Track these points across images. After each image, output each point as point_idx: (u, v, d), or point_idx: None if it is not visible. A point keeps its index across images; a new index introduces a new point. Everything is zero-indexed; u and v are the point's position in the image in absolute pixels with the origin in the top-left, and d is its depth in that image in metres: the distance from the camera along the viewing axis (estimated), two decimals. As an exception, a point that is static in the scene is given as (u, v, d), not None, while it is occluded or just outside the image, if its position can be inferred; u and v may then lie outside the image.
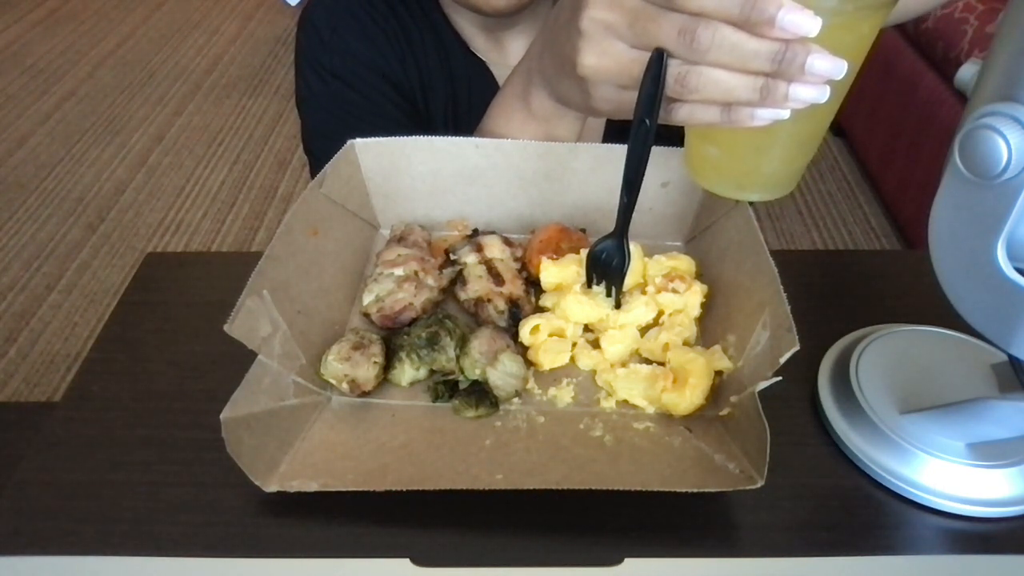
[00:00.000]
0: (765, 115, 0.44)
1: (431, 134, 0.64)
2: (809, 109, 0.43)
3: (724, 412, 0.50)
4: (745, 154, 0.51)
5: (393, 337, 0.55)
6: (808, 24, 0.39)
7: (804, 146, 0.51)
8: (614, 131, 0.82)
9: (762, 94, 0.43)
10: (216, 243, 2.08)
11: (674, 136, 0.58)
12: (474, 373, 0.52)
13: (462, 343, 0.54)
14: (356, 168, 0.64)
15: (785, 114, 0.43)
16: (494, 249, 0.62)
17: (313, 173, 0.78)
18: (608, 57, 0.48)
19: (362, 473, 0.47)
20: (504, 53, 0.82)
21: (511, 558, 0.45)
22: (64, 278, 1.94)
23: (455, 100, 0.82)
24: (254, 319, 0.48)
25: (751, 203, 0.57)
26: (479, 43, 0.82)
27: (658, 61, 0.46)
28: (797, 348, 0.43)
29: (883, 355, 0.55)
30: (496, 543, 0.46)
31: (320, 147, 0.78)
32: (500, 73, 0.82)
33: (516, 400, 0.53)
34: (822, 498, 0.48)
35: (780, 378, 0.44)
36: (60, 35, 3.15)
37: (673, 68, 0.45)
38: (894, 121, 2.02)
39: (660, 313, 0.58)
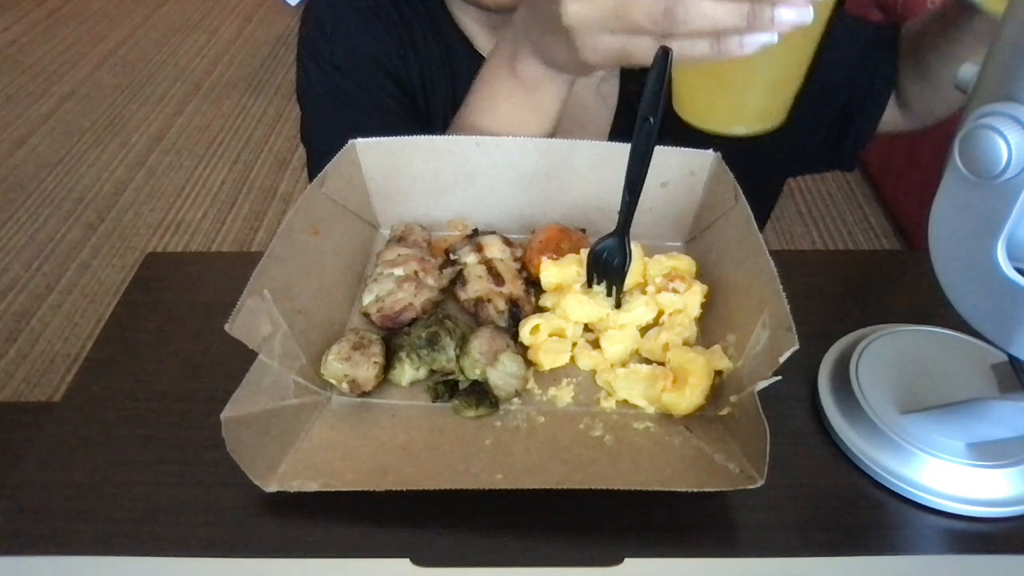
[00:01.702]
0: (753, 42, 0.45)
1: (431, 130, 0.64)
2: (795, 34, 0.44)
3: (724, 412, 0.50)
4: (732, 86, 0.51)
5: (393, 337, 0.55)
6: None
7: (790, 73, 0.51)
8: (617, 131, 0.82)
9: (748, 20, 0.43)
10: (216, 243, 2.08)
11: (675, 136, 0.58)
12: (474, 373, 0.52)
13: (462, 343, 0.54)
14: (357, 168, 0.64)
15: (774, 39, 0.44)
16: (494, 249, 0.62)
17: (311, 165, 0.79)
18: (591, 2, 0.48)
19: (362, 473, 0.47)
20: None
21: (511, 558, 0.45)
22: (64, 278, 1.95)
23: (455, 97, 0.82)
24: (255, 319, 0.48)
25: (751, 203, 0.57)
26: (482, 41, 0.81)
27: (663, 59, 0.46)
28: (797, 348, 0.43)
29: (883, 355, 0.55)
30: (496, 543, 0.46)
31: (318, 139, 0.79)
32: None
33: (516, 400, 0.53)
34: (822, 498, 0.48)
35: (780, 378, 0.44)
36: (60, 35, 3.15)
37: (658, 4, 0.45)
38: (894, 121, 2.01)
39: (660, 313, 0.58)
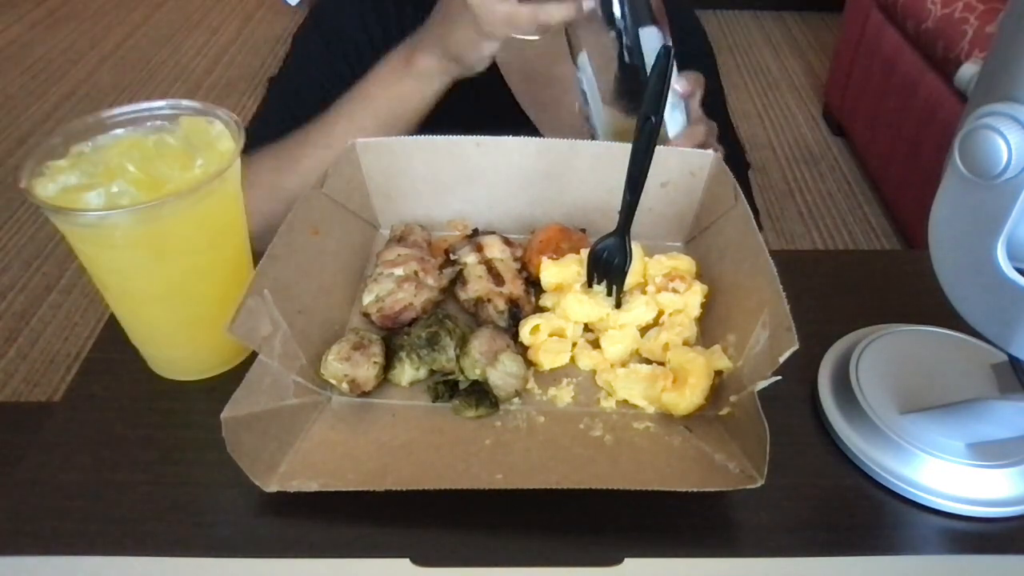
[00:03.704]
0: None
1: None
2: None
3: (724, 412, 0.50)
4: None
5: (393, 337, 0.55)
6: None
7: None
8: None
9: None
10: (216, 243, 2.08)
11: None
12: (474, 373, 0.52)
13: (462, 343, 0.54)
14: (357, 168, 0.64)
15: None
16: (494, 249, 0.62)
17: (264, 106, 0.86)
18: None
19: (362, 473, 0.47)
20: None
21: (511, 558, 0.45)
22: (64, 278, 1.94)
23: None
24: (255, 318, 0.48)
25: (750, 204, 0.57)
26: None
27: (664, 57, 0.46)
28: (796, 347, 0.43)
29: (883, 355, 0.55)
30: (496, 543, 0.46)
31: (283, 78, 0.86)
32: (504, 56, 0.83)
33: (516, 400, 0.53)
34: (822, 498, 0.48)
35: (780, 378, 0.44)
36: (60, 35, 3.15)
37: None
38: (894, 121, 2.02)
39: (660, 313, 0.58)
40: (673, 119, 0.68)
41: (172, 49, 3.08)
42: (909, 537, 0.47)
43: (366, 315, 0.58)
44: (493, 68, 0.83)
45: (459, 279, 0.60)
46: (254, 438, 0.46)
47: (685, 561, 0.44)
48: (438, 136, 0.64)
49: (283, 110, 0.83)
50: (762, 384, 0.44)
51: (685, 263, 0.60)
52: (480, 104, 0.73)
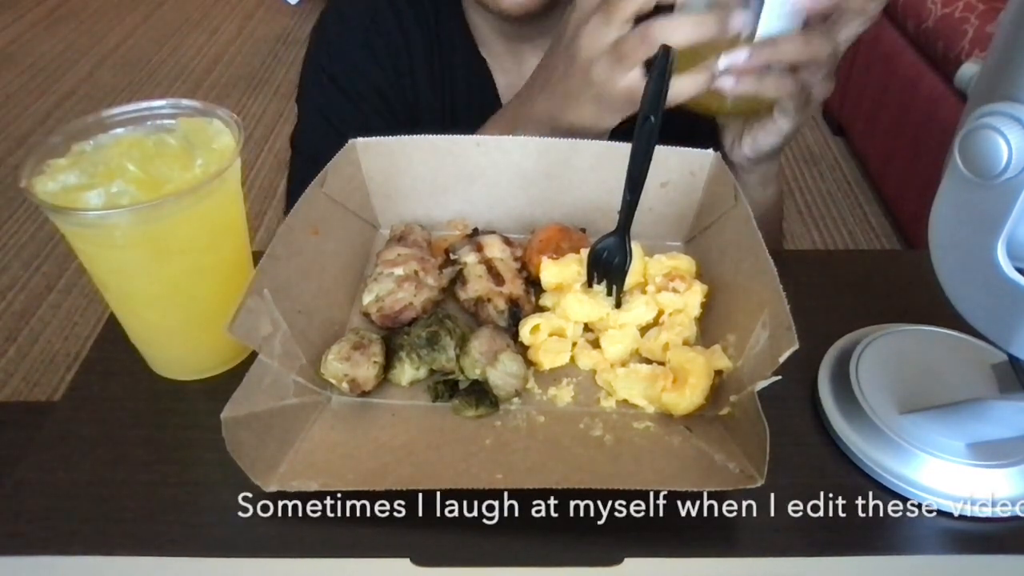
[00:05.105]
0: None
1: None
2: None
3: (724, 412, 0.50)
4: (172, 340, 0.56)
5: (393, 337, 0.55)
6: None
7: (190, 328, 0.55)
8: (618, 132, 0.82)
9: None
10: (216, 243, 2.08)
11: (675, 136, 0.58)
12: (474, 373, 0.52)
13: (462, 343, 0.54)
14: (357, 168, 0.64)
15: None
16: (494, 249, 0.62)
17: (292, 167, 0.83)
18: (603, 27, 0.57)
19: (362, 473, 0.47)
20: (519, 62, 0.82)
21: (511, 558, 0.45)
22: (64, 278, 1.94)
23: (453, 107, 0.83)
24: (255, 318, 0.48)
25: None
26: (497, 48, 0.82)
27: (664, 57, 0.46)
28: (796, 347, 0.43)
29: (883, 355, 0.55)
30: (496, 543, 0.46)
31: (305, 144, 0.82)
32: (507, 81, 0.83)
33: (516, 400, 0.53)
34: (822, 498, 0.48)
35: (780, 377, 0.44)
36: (60, 34, 3.15)
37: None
38: (894, 121, 2.02)
39: (660, 313, 0.58)
40: (769, 17, 0.55)
41: (172, 49, 3.08)
42: (909, 537, 0.47)
43: (366, 315, 0.58)
44: (488, 71, 0.83)
45: (459, 279, 0.60)
46: (254, 438, 0.46)
47: (685, 561, 0.44)
48: (438, 136, 0.64)
49: (315, 170, 0.81)
50: (762, 384, 0.44)
51: (685, 263, 0.60)
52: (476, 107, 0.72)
